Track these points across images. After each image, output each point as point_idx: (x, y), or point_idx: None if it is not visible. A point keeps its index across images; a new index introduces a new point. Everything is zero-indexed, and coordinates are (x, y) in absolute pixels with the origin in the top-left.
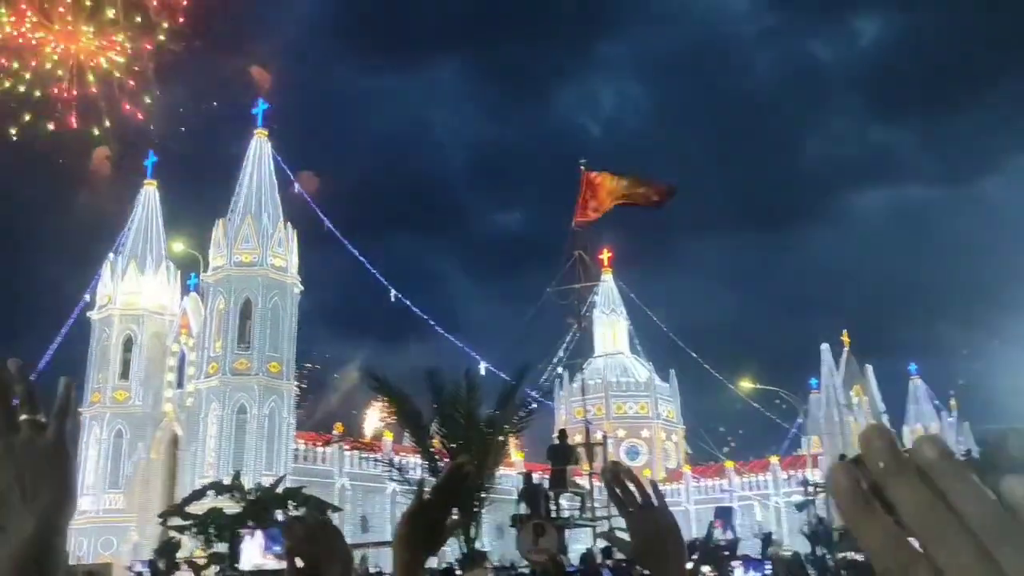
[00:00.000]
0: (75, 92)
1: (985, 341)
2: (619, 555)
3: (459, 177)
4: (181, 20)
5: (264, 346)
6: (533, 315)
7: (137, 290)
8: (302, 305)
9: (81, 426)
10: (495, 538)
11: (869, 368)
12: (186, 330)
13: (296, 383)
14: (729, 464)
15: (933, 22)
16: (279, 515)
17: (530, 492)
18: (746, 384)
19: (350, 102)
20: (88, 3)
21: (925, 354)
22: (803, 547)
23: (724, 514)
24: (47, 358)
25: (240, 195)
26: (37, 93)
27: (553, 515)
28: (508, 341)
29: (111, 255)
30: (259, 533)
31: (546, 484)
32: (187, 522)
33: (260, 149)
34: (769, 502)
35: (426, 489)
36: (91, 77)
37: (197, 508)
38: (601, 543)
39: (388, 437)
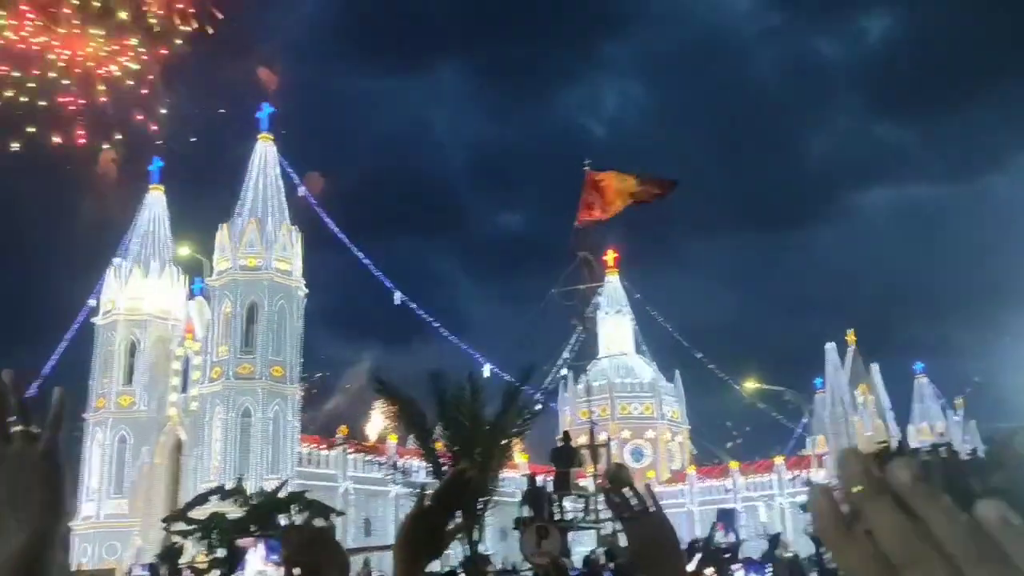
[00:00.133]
0: (83, 102)
1: (992, 339)
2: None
3: (461, 178)
4: (193, 25)
5: (268, 350)
6: (537, 316)
7: (141, 295)
8: (306, 307)
9: (84, 431)
10: (498, 541)
11: (874, 367)
12: (190, 334)
13: (300, 386)
14: (734, 464)
15: (937, 20)
16: (282, 520)
17: (534, 495)
18: (751, 384)
19: (352, 103)
20: (96, 4)
21: (931, 353)
22: (808, 548)
23: (726, 516)
24: (52, 363)
25: (245, 199)
26: (42, 103)
27: (557, 518)
28: (512, 342)
29: (115, 260)
30: (260, 544)
31: (550, 487)
32: (190, 527)
33: (264, 153)
34: (774, 502)
35: (427, 494)
36: (101, 86)
37: (200, 513)
38: (604, 546)
39: (392, 440)
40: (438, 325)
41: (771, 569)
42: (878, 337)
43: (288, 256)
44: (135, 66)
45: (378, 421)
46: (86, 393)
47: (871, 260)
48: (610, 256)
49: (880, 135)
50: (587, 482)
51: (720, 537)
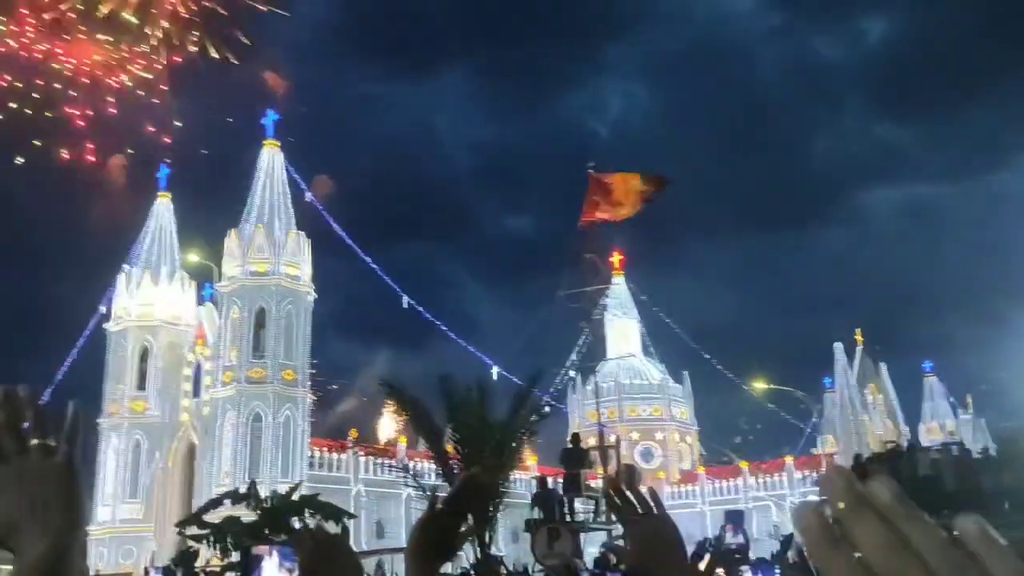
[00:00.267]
0: (90, 113)
1: (1001, 338)
2: None
3: (467, 181)
4: (199, 33)
5: (278, 354)
6: (545, 319)
7: (152, 301)
8: (315, 312)
9: (99, 437)
10: (509, 542)
11: (883, 367)
12: (202, 340)
13: (310, 390)
14: (744, 464)
15: (937, 20)
16: (295, 522)
17: (544, 496)
18: (760, 384)
19: (356, 108)
20: (104, 10)
21: (940, 352)
22: None
23: (735, 517)
24: (64, 371)
25: (253, 204)
26: (48, 114)
27: (567, 519)
28: (520, 345)
29: (125, 267)
30: (275, 551)
31: (560, 488)
32: (204, 531)
33: (272, 159)
34: (784, 502)
35: (439, 497)
36: (109, 96)
37: (214, 517)
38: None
39: (402, 443)
40: (446, 328)
41: (779, 570)
42: (886, 336)
43: (297, 261)
44: (148, 75)
45: (388, 424)
46: (99, 399)
47: (876, 260)
48: (616, 258)
49: (882, 135)
50: (598, 483)
51: (730, 538)
